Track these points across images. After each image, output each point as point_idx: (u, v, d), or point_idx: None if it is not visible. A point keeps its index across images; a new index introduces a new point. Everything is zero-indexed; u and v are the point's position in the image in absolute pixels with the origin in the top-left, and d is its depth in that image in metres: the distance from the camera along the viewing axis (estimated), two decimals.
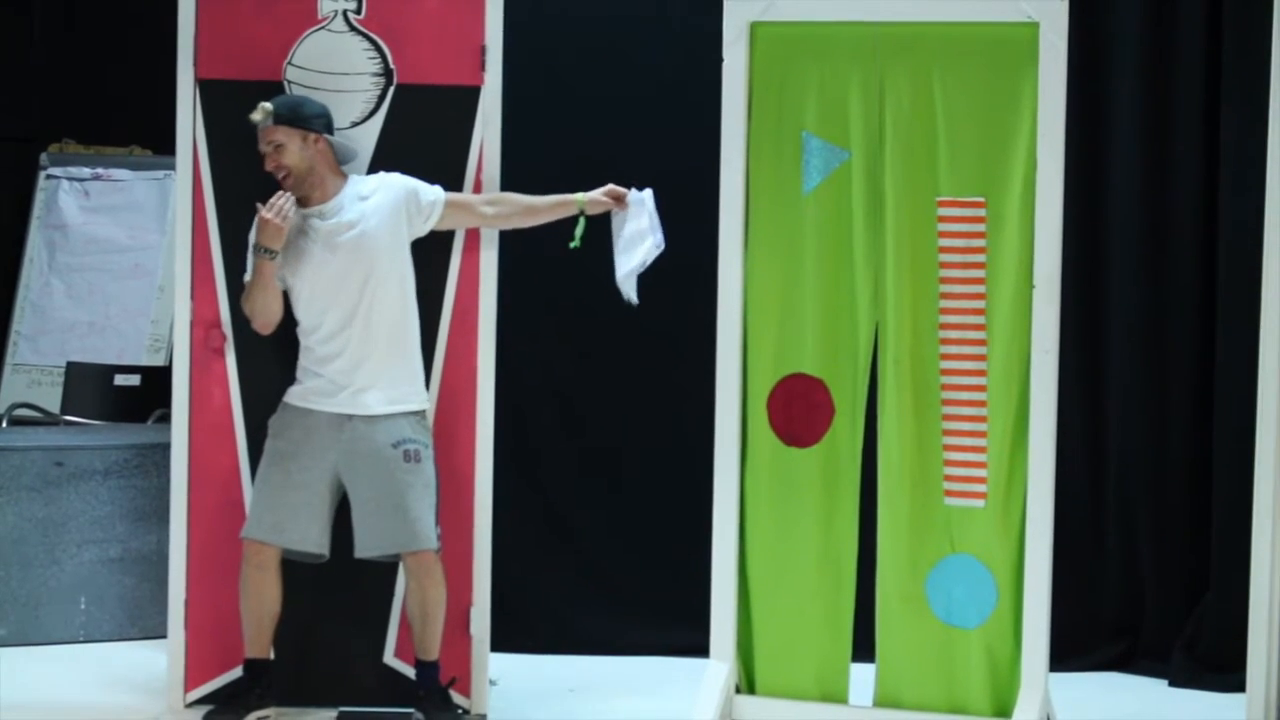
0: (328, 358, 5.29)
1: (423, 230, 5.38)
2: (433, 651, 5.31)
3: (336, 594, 5.42)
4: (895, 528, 5.33)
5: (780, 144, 5.40)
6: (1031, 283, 5.17)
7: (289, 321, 5.37)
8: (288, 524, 5.27)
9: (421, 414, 5.36)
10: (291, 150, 5.28)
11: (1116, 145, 6.30)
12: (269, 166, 5.29)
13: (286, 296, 5.34)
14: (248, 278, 5.33)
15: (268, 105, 5.26)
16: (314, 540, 5.28)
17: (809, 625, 5.41)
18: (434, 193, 5.38)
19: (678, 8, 6.45)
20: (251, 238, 5.30)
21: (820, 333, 5.39)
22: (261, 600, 5.29)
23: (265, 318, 5.32)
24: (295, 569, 5.34)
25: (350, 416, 5.27)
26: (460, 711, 5.40)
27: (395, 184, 5.37)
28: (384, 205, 5.31)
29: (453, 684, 5.39)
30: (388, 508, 5.24)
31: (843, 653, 5.40)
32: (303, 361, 5.35)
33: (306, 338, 5.34)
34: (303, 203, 5.33)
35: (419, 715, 5.32)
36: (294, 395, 5.34)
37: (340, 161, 5.37)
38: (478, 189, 5.47)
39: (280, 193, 5.27)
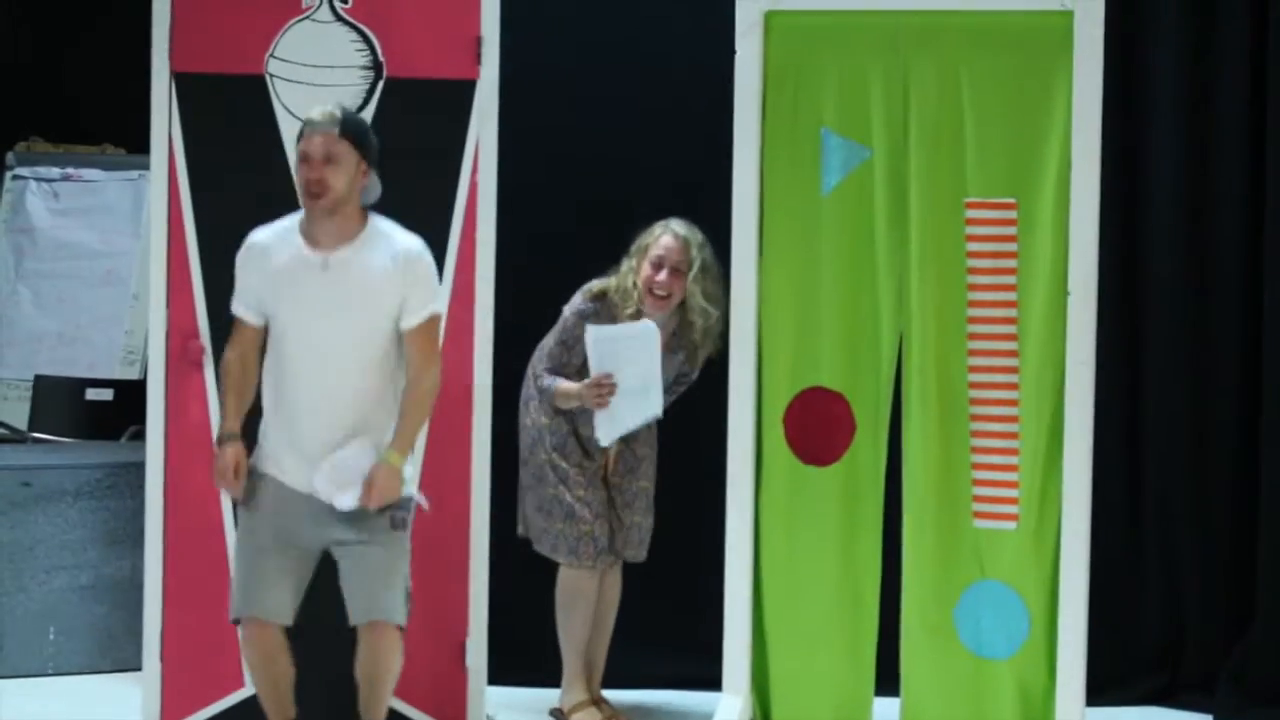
0: (303, 433, 4.88)
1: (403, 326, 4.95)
2: (379, 718, 5.05)
3: (328, 625, 5.13)
4: (920, 551, 5.31)
5: (797, 141, 5.36)
6: (1066, 289, 5.16)
7: None
8: (289, 599, 4.93)
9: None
10: (344, 172, 4.84)
11: (1156, 141, 6.18)
12: (310, 175, 4.83)
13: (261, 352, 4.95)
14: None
15: (335, 112, 4.84)
16: (296, 613, 4.98)
17: (828, 656, 5.38)
18: (426, 310, 4.92)
19: None
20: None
21: (840, 343, 5.37)
22: (275, 673, 4.98)
23: None
24: None
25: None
26: None
27: (412, 267, 4.90)
28: (389, 287, 4.88)
29: None
30: (364, 573, 4.91)
31: (865, 685, 5.38)
32: (273, 435, 4.93)
33: (279, 406, 4.92)
34: (310, 240, 4.92)
35: None
36: (269, 464, 4.94)
37: (362, 201, 4.99)
38: (473, 189, 5.41)
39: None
